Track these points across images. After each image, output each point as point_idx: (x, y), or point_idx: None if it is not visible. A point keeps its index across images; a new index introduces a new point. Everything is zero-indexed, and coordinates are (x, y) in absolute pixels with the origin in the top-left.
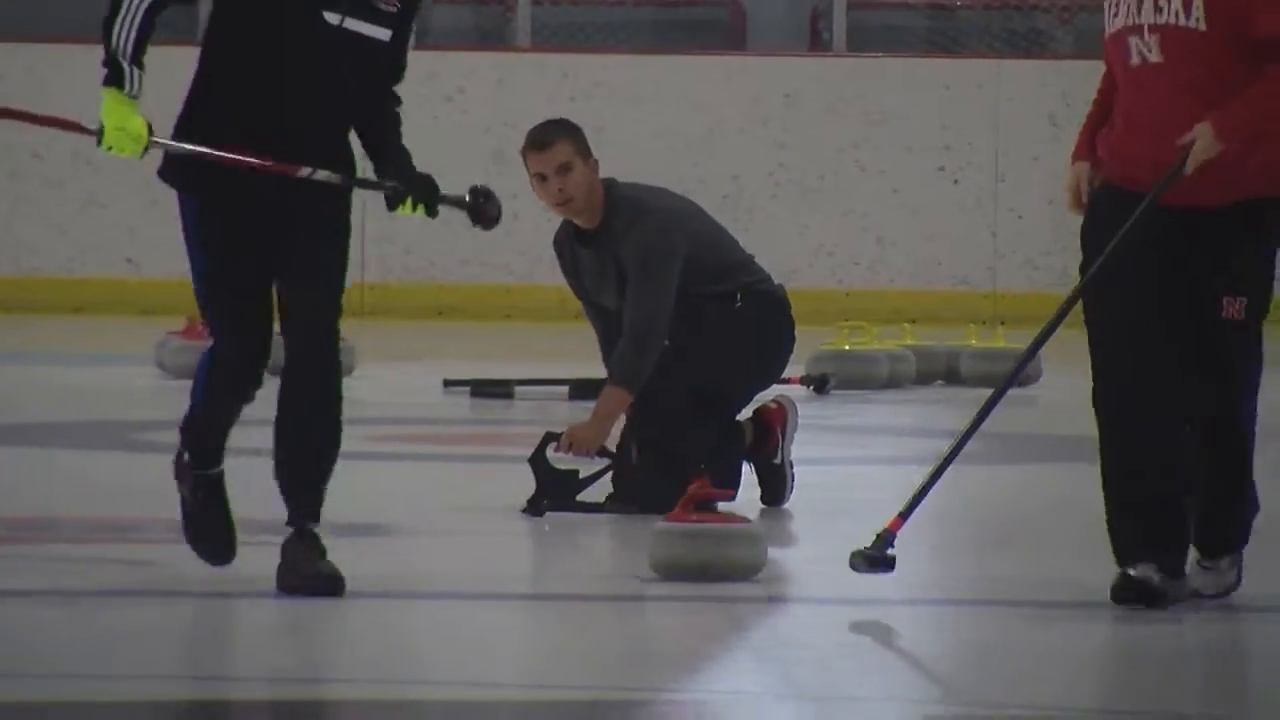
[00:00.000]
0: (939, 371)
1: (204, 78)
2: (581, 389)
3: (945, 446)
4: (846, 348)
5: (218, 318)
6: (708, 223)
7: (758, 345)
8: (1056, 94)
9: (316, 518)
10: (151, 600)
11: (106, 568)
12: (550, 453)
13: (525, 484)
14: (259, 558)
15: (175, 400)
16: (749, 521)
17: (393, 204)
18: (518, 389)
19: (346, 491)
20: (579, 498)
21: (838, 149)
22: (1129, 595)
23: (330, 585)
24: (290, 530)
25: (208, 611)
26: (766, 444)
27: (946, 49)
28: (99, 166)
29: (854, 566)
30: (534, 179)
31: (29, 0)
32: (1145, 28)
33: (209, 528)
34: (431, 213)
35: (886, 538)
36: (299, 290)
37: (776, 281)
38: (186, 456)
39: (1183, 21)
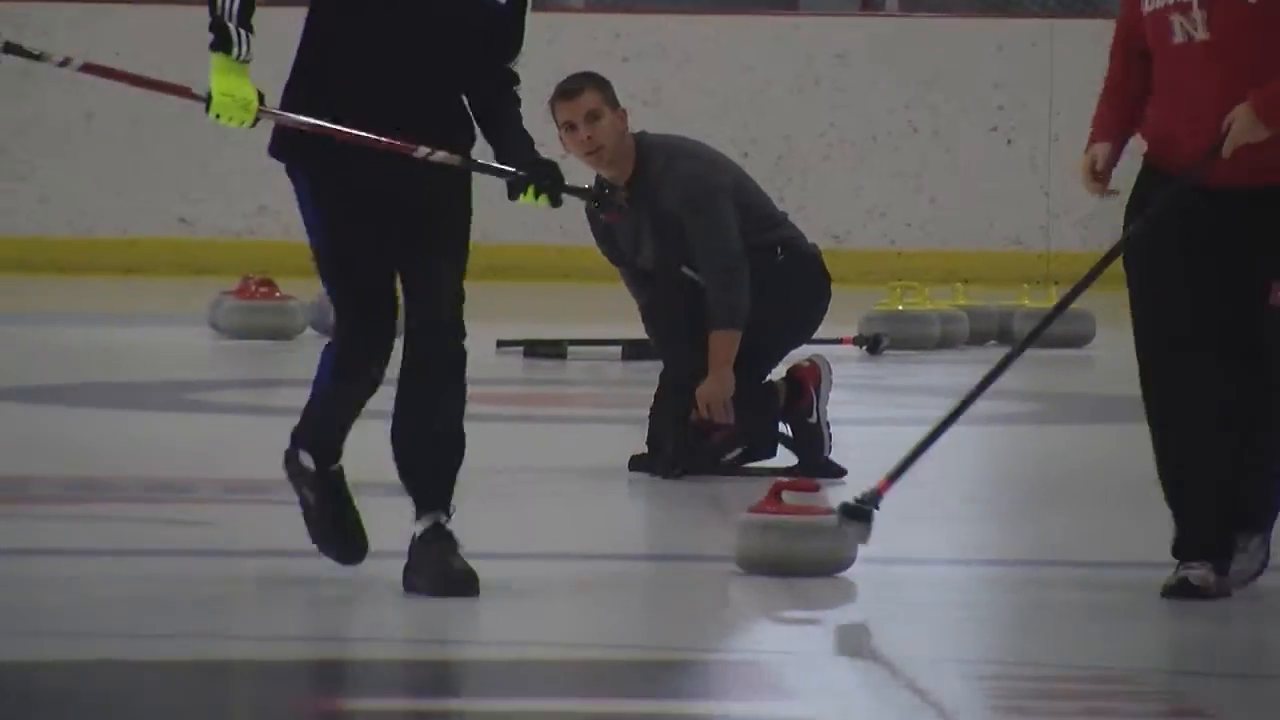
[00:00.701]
0: (992, 332)
1: (309, 45)
2: (634, 349)
3: (992, 412)
4: (899, 308)
5: (343, 298)
6: (743, 174)
7: (799, 302)
8: (1108, 53)
9: (447, 509)
10: (209, 560)
11: (163, 528)
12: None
13: (578, 443)
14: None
15: (229, 360)
16: (887, 487)
17: (514, 191)
18: (570, 349)
19: None
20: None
21: (890, 109)
22: (1183, 595)
23: (464, 584)
24: (418, 525)
25: (263, 571)
26: (800, 402)
27: (999, 8)
28: (151, 127)
29: (841, 514)
30: (562, 128)
31: None
32: (1194, 3)
33: (334, 528)
34: (555, 202)
35: (873, 497)
36: (419, 274)
37: (811, 241)
38: (302, 456)
39: None
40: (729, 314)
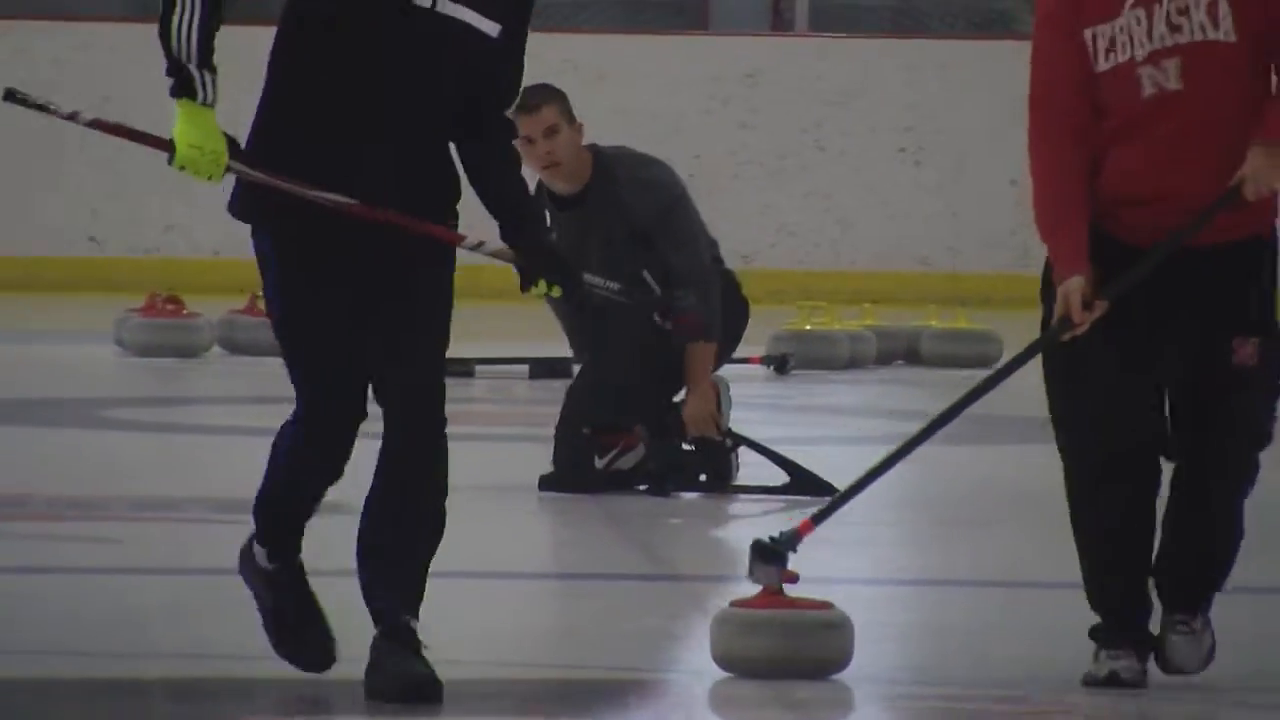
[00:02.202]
0: (899, 352)
1: (272, 87)
2: (542, 368)
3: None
4: (807, 328)
5: (303, 373)
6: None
7: (725, 324)
8: (1019, 74)
9: (415, 611)
10: (118, 577)
11: (71, 545)
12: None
13: (486, 462)
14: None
15: (136, 377)
16: (830, 607)
17: (526, 283)
18: (478, 368)
19: None
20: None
21: (800, 129)
22: (1112, 685)
23: (425, 690)
24: (382, 626)
25: (173, 588)
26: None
27: (909, 30)
28: (60, 142)
29: (752, 553)
30: (520, 142)
31: None
32: (1159, 54)
33: (298, 631)
34: (572, 299)
35: (792, 539)
36: (395, 346)
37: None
38: (257, 550)
39: (1210, 35)
40: (708, 325)
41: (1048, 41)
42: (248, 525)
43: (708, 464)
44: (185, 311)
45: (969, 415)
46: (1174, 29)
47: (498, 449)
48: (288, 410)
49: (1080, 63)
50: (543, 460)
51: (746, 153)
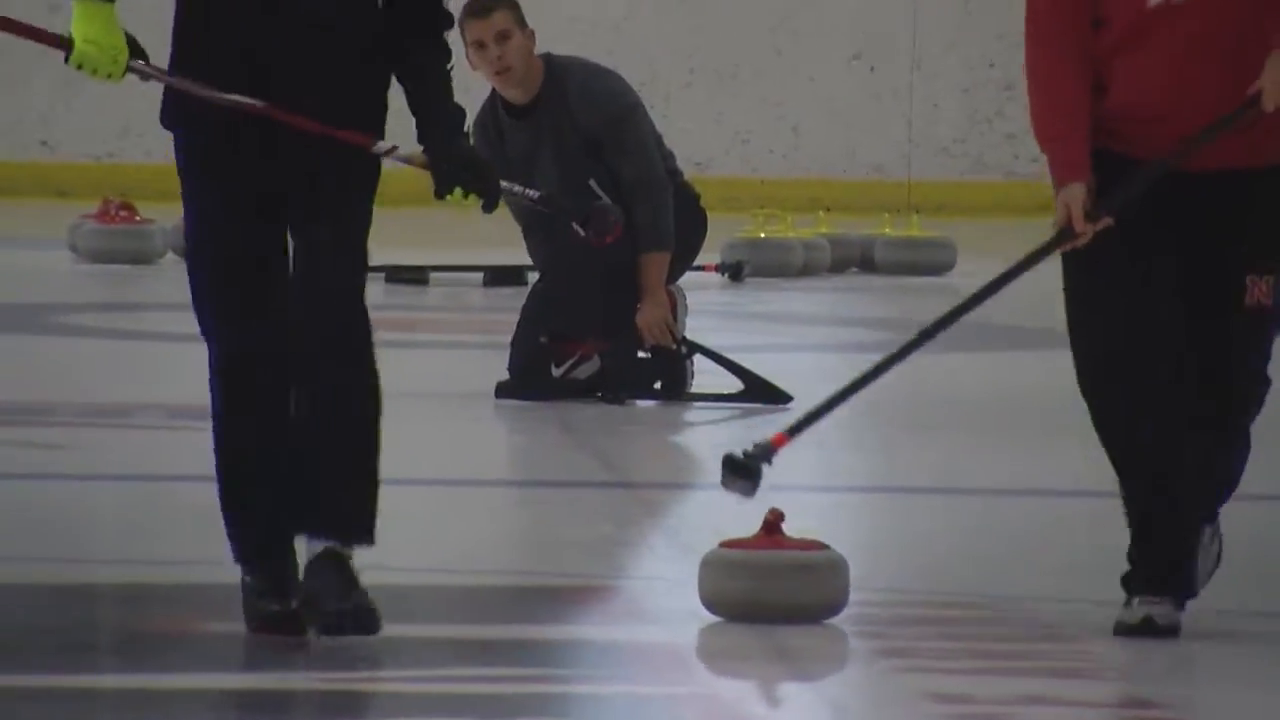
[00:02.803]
0: (853, 259)
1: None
2: (497, 275)
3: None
4: (762, 235)
5: (216, 302)
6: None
7: (684, 235)
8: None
9: (359, 536)
10: (67, 483)
11: (21, 450)
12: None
13: (441, 369)
14: (185, 441)
15: (89, 283)
16: (826, 548)
17: (440, 189)
18: (433, 275)
19: None
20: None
21: (753, 36)
22: (1144, 632)
23: (365, 621)
24: (317, 550)
25: (122, 494)
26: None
27: None
28: (11, 46)
29: (724, 467)
30: (471, 47)
31: None
32: None
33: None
34: (489, 208)
35: (766, 451)
36: (311, 245)
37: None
38: (245, 578)
39: None
40: (658, 236)
41: None
42: (200, 431)
43: (663, 372)
44: (138, 218)
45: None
46: None
47: (453, 356)
48: None
49: None
50: (498, 368)
51: (700, 58)
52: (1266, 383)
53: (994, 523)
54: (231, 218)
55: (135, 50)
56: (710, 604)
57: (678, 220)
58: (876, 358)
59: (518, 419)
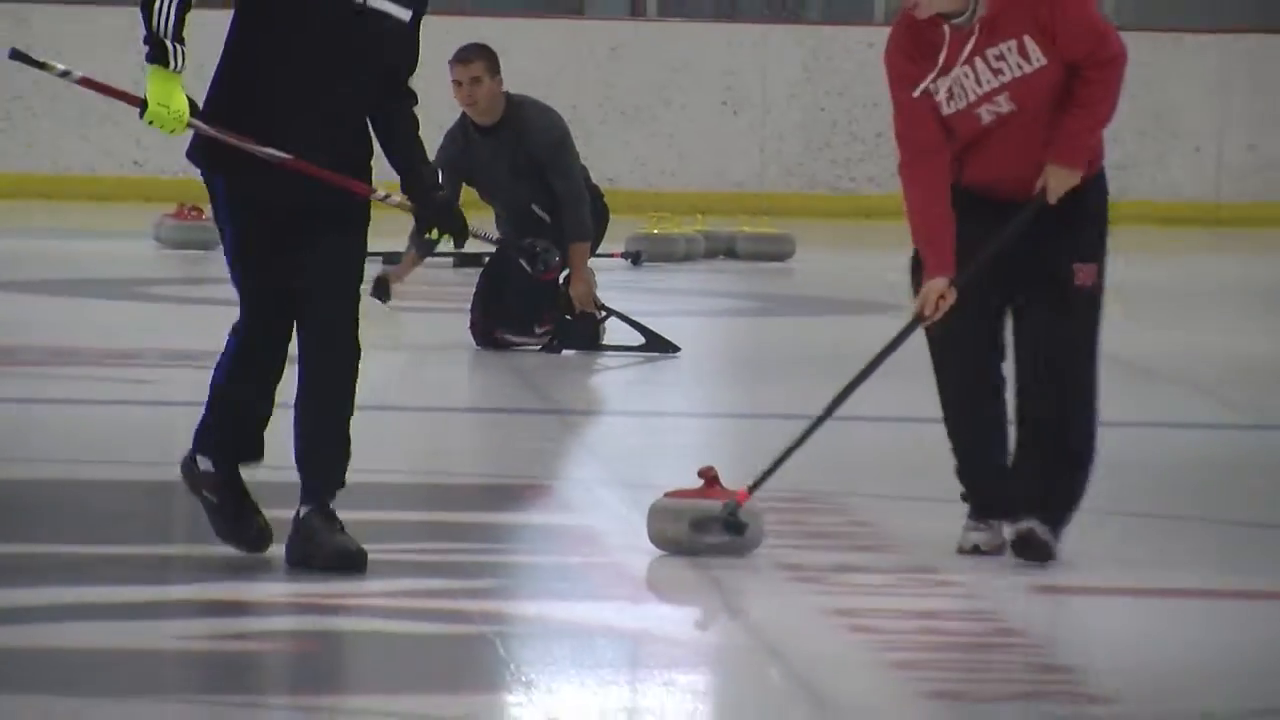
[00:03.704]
0: (721, 249)
1: (230, 58)
2: (463, 259)
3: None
4: (654, 231)
5: (246, 295)
6: None
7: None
8: (809, 50)
9: (333, 493)
10: (150, 408)
11: (116, 385)
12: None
13: (420, 327)
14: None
15: (167, 264)
16: (746, 497)
17: (422, 230)
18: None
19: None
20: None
21: (651, 88)
22: (973, 554)
23: (352, 560)
24: (311, 505)
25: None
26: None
27: (729, 16)
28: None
29: (725, 526)
30: (453, 81)
31: None
32: (989, 94)
33: (237, 522)
34: (459, 245)
35: (732, 508)
36: (316, 278)
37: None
38: (200, 461)
39: (1026, 69)
40: (582, 229)
41: (901, 93)
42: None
43: (585, 329)
44: (205, 216)
45: (769, 294)
46: (996, 73)
47: (429, 318)
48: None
49: (930, 107)
50: (460, 328)
51: (611, 105)
52: (1096, 363)
53: (843, 441)
54: (258, 247)
55: (194, 110)
56: (656, 543)
57: (595, 217)
58: (742, 320)
59: (478, 364)
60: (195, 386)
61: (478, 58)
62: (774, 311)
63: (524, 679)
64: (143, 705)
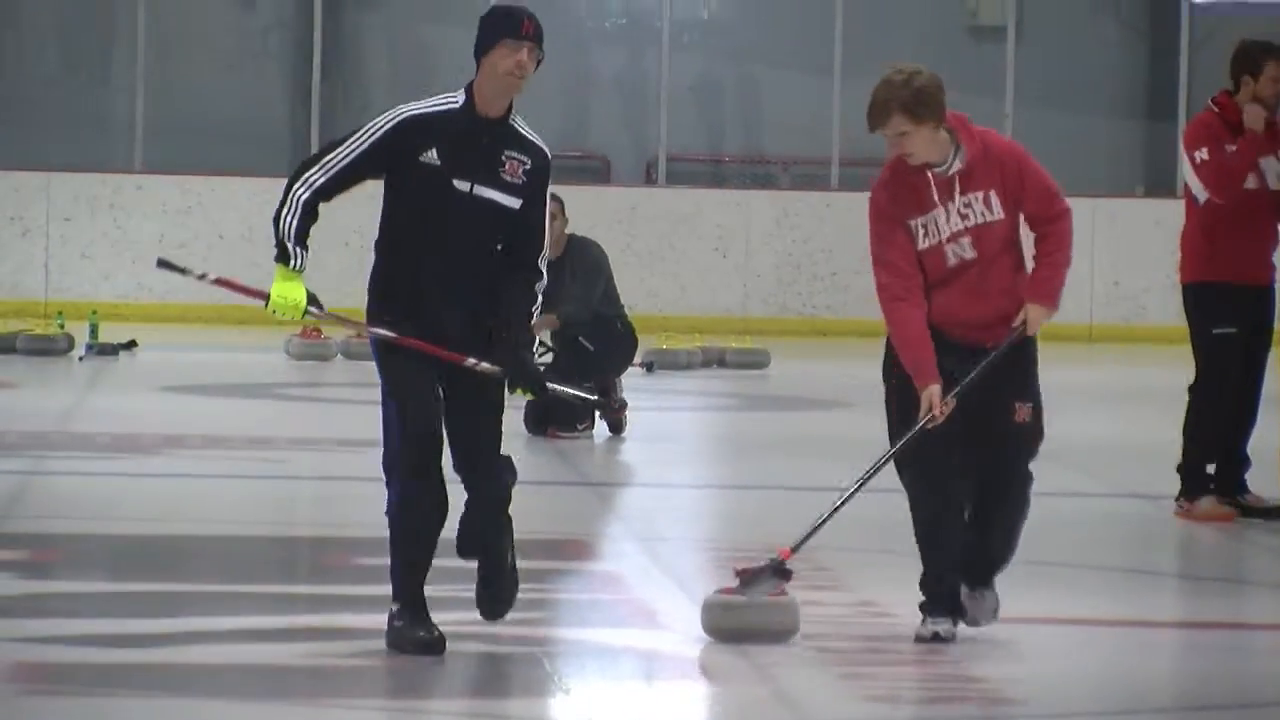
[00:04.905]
0: (714, 360)
1: (381, 246)
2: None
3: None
4: (664, 346)
5: (402, 407)
6: (611, 273)
7: (628, 349)
8: (780, 209)
9: (501, 574)
10: (279, 482)
11: (256, 463)
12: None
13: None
14: (356, 457)
15: (294, 371)
16: (786, 594)
17: (511, 389)
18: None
19: None
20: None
21: (660, 237)
22: (935, 642)
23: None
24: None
25: (316, 489)
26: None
27: (718, 183)
28: (261, 241)
29: (773, 572)
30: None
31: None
32: (957, 234)
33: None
34: (539, 399)
35: (781, 564)
36: (462, 429)
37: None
38: (398, 614)
39: (989, 218)
40: (563, 312)
41: (885, 229)
42: (355, 453)
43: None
44: (323, 336)
45: (751, 394)
46: (964, 217)
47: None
48: (362, 385)
49: (906, 239)
50: (517, 421)
51: (631, 251)
52: (1029, 489)
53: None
54: (409, 371)
55: (313, 300)
56: (711, 634)
57: (628, 340)
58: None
59: (531, 445)
60: (318, 465)
61: (554, 201)
62: (754, 407)
63: (565, 688)
64: (265, 706)
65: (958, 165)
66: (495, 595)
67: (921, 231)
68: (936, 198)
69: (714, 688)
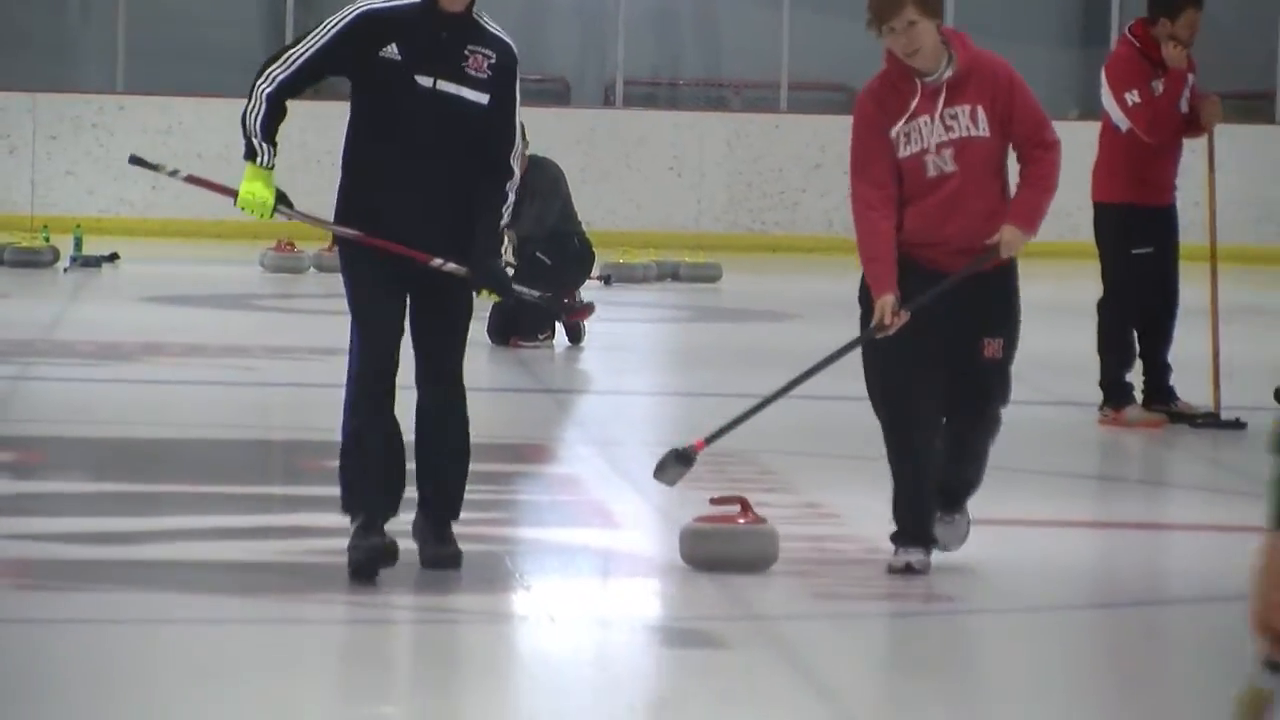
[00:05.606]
0: (669, 275)
1: (348, 149)
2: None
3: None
4: (621, 260)
5: (361, 340)
6: (568, 193)
7: (587, 263)
8: (732, 130)
9: (454, 516)
10: (251, 389)
11: (228, 370)
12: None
13: None
14: (322, 366)
15: (267, 283)
16: (764, 521)
17: (474, 288)
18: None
19: None
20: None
21: (617, 158)
22: (907, 573)
23: (450, 563)
24: (427, 513)
25: (287, 396)
26: (577, 314)
27: (672, 104)
28: (238, 161)
29: (668, 462)
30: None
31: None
32: (939, 146)
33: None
34: (506, 303)
35: (690, 452)
36: (426, 336)
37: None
38: (353, 529)
39: (973, 132)
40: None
41: (865, 135)
42: (323, 360)
43: (570, 332)
44: (296, 249)
45: (702, 307)
46: (948, 129)
47: None
48: (334, 296)
49: (887, 150)
50: (480, 331)
51: (589, 170)
52: (1000, 413)
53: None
54: (374, 295)
55: (282, 199)
56: (689, 561)
57: (586, 255)
58: (677, 325)
59: (494, 355)
60: (293, 374)
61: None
62: (707, 319)
63: (525, 584)
64: (240, 600)
65: (948, 74)
66: (438, 535)
67: (904, 140)
68: (923, 105)
69: (666, 582)
